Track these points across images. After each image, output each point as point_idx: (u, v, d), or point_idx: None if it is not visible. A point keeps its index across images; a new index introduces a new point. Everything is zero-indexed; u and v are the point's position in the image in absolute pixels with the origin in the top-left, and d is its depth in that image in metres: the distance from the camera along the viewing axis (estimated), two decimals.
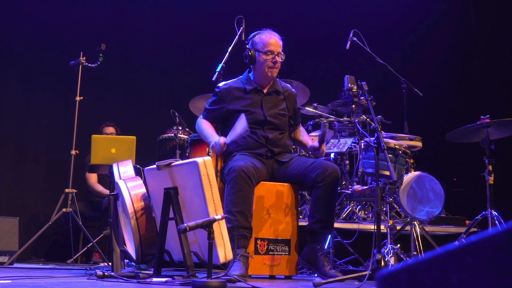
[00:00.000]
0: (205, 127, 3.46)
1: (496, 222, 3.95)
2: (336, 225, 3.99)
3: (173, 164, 2.79)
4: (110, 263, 3.23)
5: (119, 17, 6.39)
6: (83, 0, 6.21)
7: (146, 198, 2.92)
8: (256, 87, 3.48)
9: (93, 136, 4.32)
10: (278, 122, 3.46)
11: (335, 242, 4.10)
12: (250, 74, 3.55)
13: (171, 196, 2.70)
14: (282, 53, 3.48)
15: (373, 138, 3.08)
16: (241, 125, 3.13)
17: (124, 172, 3.08)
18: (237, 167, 3.08)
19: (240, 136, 3.18)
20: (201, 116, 3.55)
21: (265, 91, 3.50)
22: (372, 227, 4.13)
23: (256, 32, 3.55)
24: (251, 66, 3.52)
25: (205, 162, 2.69)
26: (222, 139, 3.21)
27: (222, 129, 3.54)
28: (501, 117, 4.07)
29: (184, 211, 2.73)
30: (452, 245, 0.83)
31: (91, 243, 4.54)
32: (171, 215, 2.72)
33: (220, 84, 3.53)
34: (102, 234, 4.78)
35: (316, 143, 3.42)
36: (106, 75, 5.93)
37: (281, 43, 3.50)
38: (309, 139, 3.67)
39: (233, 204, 3.05)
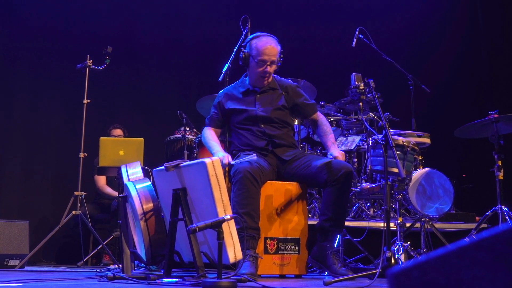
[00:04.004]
0: (210, 138, 3.45)
1: (507, 217, 3.93)
2: (345, 223, 3.98)
3: (181, 165, 2.79)
4: (120, 265, 3.24)
5: (125, 19, 6.39)
6: (89, 2, 6.23)
7: (155, 199, 2.92)
8: (248, 88, 3.51)
9: (101, 138, 4.33)
10: (273, 117, 3.44)
11: (345, 240, 4.09)
12: (247, 78, 3.56)
13: (179, 197, 2.70)
14: (277, 60, 3.42)
15: (381, 136, 3.07)
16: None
17: (133, 174, 3.08)
18: (242, 168, 3.07)
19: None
20: (205, 126, 3.56)
21: (259, 90, 3.52)
22: (381, 224, 4.12)
23: (255, 35, 3.50)
24: (246, 68, 3.53)
25: (213, 162, 2.69)
26: (226, 160, 3.15)
27: (229, 133, 3.57)
28: (510, 112, 4.05)
29: (193, 212, 2.73)
30: (464, 241, 0.82)
31: (101, 245, 4.56)
32: (180, 216, 2.72)
33: (220, 92, 3.60)
34: (112, 236, 4.80)
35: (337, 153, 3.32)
36: (113, 77, 5.95)
37: (277, 49, 3.43)
38: (331, 143, 3.46)
39: (239, 205, 3.04)
